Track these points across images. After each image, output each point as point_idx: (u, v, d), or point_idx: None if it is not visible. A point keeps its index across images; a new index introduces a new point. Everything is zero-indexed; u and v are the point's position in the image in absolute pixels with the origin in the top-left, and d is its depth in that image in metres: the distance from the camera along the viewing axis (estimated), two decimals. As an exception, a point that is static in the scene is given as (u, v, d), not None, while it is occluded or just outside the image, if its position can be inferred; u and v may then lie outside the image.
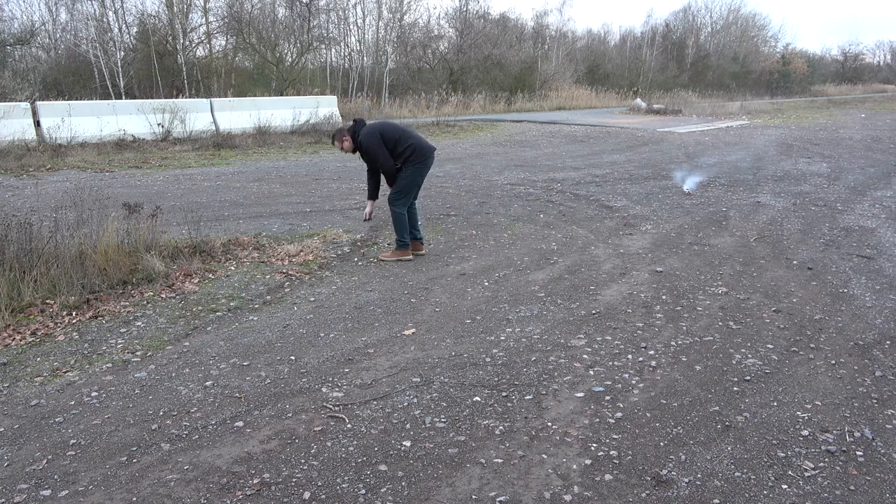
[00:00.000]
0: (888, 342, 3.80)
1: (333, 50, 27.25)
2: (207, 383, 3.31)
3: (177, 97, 17.22)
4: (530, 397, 3.15)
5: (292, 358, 3.61)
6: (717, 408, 3.05)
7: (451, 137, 15.70)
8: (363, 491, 2.46)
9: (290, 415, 3.00)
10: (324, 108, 16.70)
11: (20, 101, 13.64)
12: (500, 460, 2.64)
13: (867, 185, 8.99)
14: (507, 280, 4.95)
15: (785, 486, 2.48)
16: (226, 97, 18.32)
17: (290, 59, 24.04)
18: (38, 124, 12.72)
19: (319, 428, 2.89)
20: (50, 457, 2.69)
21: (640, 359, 3.57)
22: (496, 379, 3.33)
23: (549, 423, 2.91)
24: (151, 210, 5.36)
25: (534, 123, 19.36)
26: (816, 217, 7.06)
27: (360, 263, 5.39)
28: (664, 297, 4.55)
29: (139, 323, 4.11)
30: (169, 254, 5.18)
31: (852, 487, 2.48)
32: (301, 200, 7.91)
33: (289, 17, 24.60)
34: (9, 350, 3.71)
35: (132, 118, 13.73)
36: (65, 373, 3.44)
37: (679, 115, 22.81)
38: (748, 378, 3.34)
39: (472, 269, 5.22)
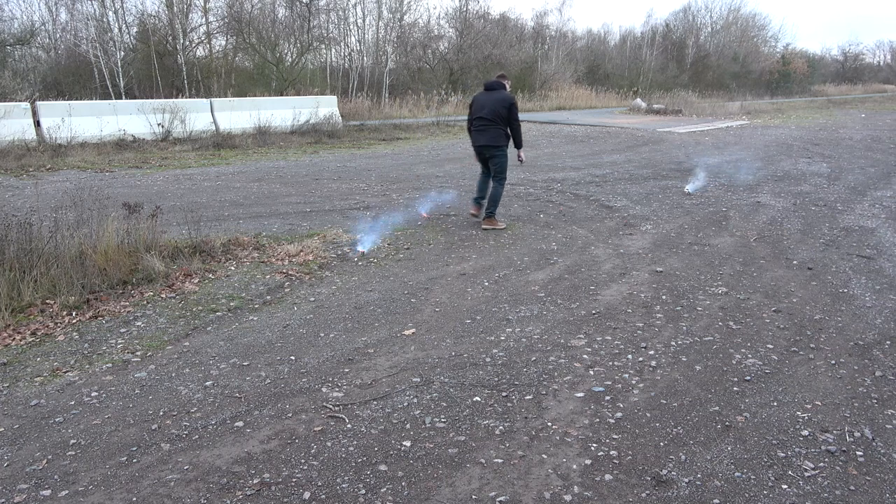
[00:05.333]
0: (888, 342, 3.80)
1: (333, 50, 27.24)
2: (207, 383, 3.31)
3: (177, 97, 17.21)
4: (530, 397, 3.15)
5: (292, 358, 3.61)
6: (717, 408, 3.05)
7: (451, 137, 15.70)
8: (363, 491, 2.46)
9: (290, 415, 3.00)
10: (324, 108, 16.69)
11: (20, 101, 13.63)
12: (500, 460, 2.64)
13: (867, 185, 8.99)
14: (507, 280, 4.95)
15: (785, 486, 2.49)
16: (226, 97, 18.30)
17: (290, 59, 24.03)
18: (38, 124, 12.71)
19: (319, 428, 2.89)
20: (50, 457, 2.69)
21: (640, 359, 3.57)
22: (496, 379, 3.33)
23: (549, 423, 2.91)
24: (151, 210, 5.36)
25: (534, 123, 19.35)
26: (816, 217, 7.06)
27: (360, 263, 5.39)
28: (664, 297, 4.55)
29: (139, 323, 4.11)
30: (169, 254, 5.18)
31: (852, 487, 2.48)
32: (301, 200, 7.91)
33: (289, 17, 24.60)
34: (9, 350, 3.71)
35: (132, 118, 13.73)
36: (65, 373, 3.44)
37: (679, 115, 22.81)
38: (748, 378, 3.34)
39: (472, 269, 5.22)
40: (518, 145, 6.72)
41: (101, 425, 2.93)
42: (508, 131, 6.51)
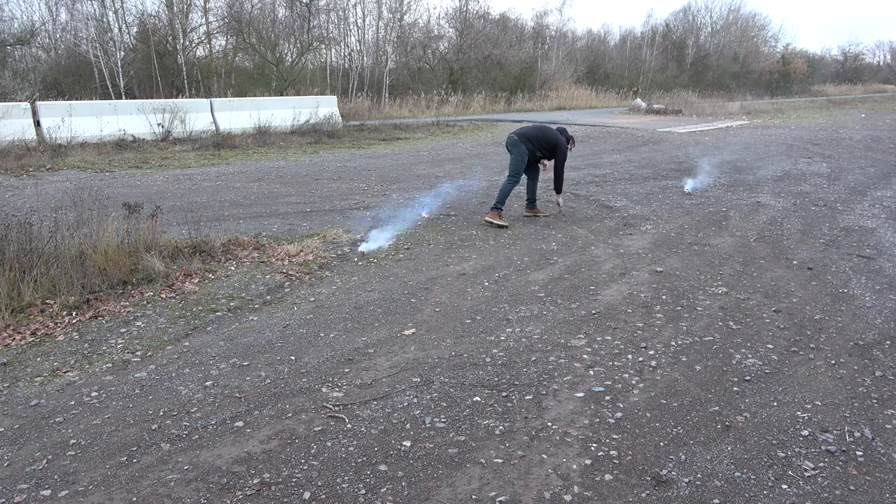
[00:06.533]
0: (888, 342, 3.80)
1: (333, 50, 27.24)
2: (207, 383, 3.31)
3: (177, 97, 17.21)
4: (530, 397, 3.15)
5: (292, 358, 3.61)
6: (717, 408, 3.05)
7: (451, 137, 15.70)
8: (363, 491, 2.46)
9: (290, 415, 3.00)
10: (324, 108, 16.69)
11: (20, 101, 13.63)
12: (500, 460, 2.64)
13: (867, 185, 8.99)
14: (507, 280, 4.95)
15: (785, 486, 2.49)
16: (226, 97, 18.30)
17: (290, 59, 24.03)
18: (38, 124, 12.70)
19: (319, 428, 2.89)
20: (50, 457, 2.69)
21: (640, 359, 3.57)
22: (496, 379, 3.33)
23: (549, 423, 2.91)
24: (151, 210, 5.36)
25: (533, 124, 19.33)
26: (816, 217, 7.06)
27: (360, 263, 5.39)
28: (664, 297, 4.55)
29: (139, 323, 4.11)
30: (169, 254, 5.18)
31: (852, 487, 2.49)
32: (301, 200, 7.91)
33: (289, 17, 24.60)
34: (9, 350, 3.72)
35: (132, 118, 13.73)
36: (65, 373, 3.44)
37: (679, 115, 22.81)
38: (748, 378, 3.34)
39: (472, 269, 5.22)
40: (557, 189, 7.06)
41: (101, 425, 2.93)
42: (529, 153, 6.73)
